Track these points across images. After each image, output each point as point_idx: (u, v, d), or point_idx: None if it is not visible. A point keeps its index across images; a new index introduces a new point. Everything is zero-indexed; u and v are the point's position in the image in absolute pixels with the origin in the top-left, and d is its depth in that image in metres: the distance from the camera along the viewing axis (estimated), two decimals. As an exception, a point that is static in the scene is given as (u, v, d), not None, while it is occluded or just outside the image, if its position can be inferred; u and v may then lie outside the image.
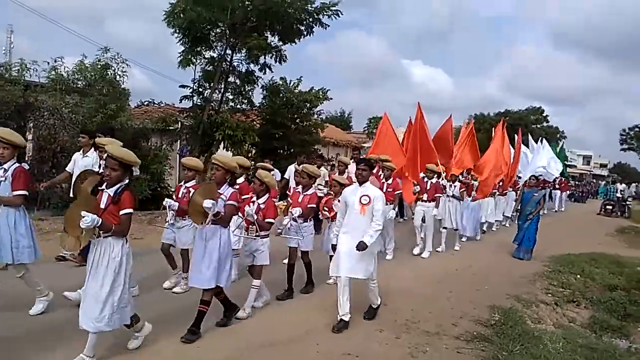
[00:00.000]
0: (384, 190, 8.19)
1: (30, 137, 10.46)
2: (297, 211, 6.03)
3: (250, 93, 14.98)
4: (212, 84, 14.01)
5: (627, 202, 23.97)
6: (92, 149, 6.73)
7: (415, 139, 10.47)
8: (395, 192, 8.80)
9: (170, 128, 14.30)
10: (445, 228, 10.25)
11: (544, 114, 48.44)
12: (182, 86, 14.22)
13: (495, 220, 14.09)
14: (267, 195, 5.41)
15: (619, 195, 24.57)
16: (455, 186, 10.56)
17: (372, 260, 5.37)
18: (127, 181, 3.92)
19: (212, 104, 14.07)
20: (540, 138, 19.57)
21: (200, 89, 14.21)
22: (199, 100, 14.21)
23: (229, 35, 13.62)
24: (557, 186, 22.69)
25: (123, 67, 12.58)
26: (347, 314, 5.25)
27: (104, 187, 3.90)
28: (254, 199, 5.43)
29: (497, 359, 4.74)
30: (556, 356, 4.99)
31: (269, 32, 13.82)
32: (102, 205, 3.80)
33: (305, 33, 13.97)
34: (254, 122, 15.54)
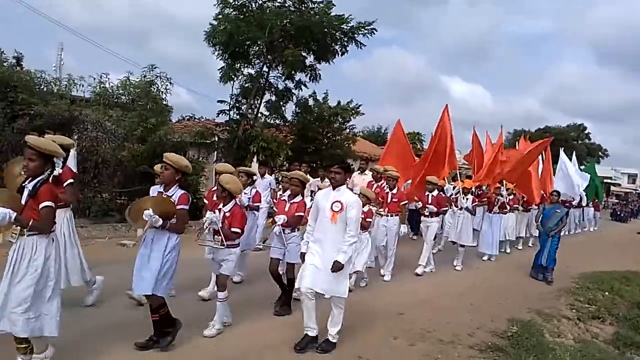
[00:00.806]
0: (388, 201, 8.13)
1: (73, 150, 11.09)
2: (281, 218, 5.74)
3: (284, 109, 15.44)
4: (248, 100, 14.51)
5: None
6: None
7: (432, 146, 10.15)
8: (401, 203, 8.28)
9: (207, 141, 14.84)
10: (462, 246, 9.73)
11: (586, 131, 47.45)
12: (220, 101, 14.79)
13: (518, 237, 13.33)
14: (232, 203, 4.99)
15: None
16: (467, 199, 9.95)
17: (342, 277, 4.78)
18: (47, 173, 3.66)
19: (247, 118, 14.56)
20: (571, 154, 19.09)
21: (237, 104, 14.74)
22: (235, 115, 14.73)
23: (267, 52, 14.10)
24: (590, 205, 21.25)
25: (166, 85, 13.21)
26: (311, 329, 4.85)
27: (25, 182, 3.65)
28: (220, 206, 5.06)
29: (508, 368, 4.86)
30: (568, 368, 5.07)
31: (305, 51, 14.20)
32: (23, 201, 3.55)
33: (340, 52, 14.36)
34: (287, 137, 15.96)
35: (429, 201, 8.88)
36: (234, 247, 4.99)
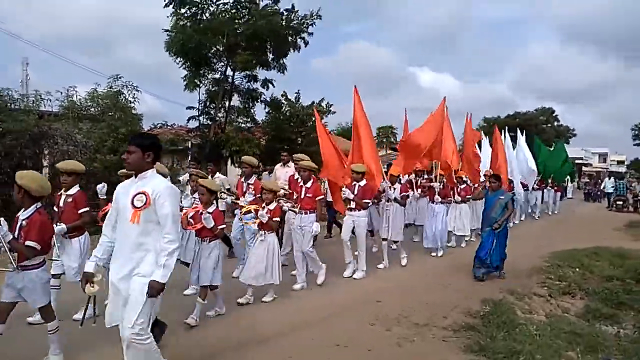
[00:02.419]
0: (302, 195, 7.15)
1: (45, 163, 11.07)
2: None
3: (252, 111, 15.64)
4: (216, 104, 14.68)
5: (640, 197, 23.72)
6: None
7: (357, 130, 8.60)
8: (317, 199, 7.21)
9: (180, 148, 14.91)
10: (395, 242, 9.07)
11: (554, 114, 48.43)
12: (189, 107, 14.94)
13: (472, 230, 11.71)
14: (33, 208, 4.05)
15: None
16: (395, 189, 8.93)
17: (143, 306, 3.41)
18: None
19: (217, 122, 14.70)
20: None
21: (207, 109, 14.88)
22: (205, 120, 14.86)
23: (227, 56, 14.28)
24: (549, 187, 19.69)
25: (134, 94, 13.21)
26: None
27: None
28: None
29: (479, 344, 5.05)
30: (538, 341, 5.29)
31: (261, 51, 14.47)
32: None
33: (299, 45, 14.66)
34: (260, 140, 16.11)
35: (355, 192, 7.71)
36: (32, 269, 3.99)
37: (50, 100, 12.40)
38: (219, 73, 14.88)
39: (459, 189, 10.89)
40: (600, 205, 27.15)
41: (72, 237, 5.18)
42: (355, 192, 7.70)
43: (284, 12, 14.19)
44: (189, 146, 15.54)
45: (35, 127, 10.75)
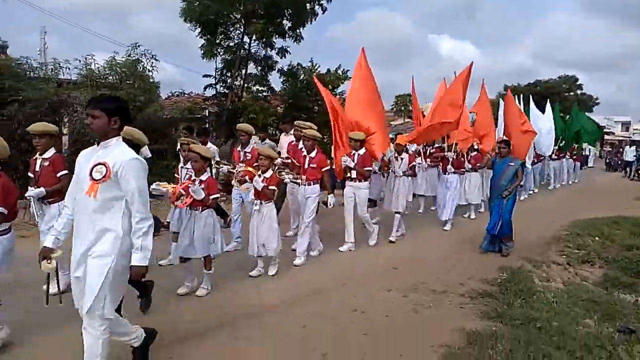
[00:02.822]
0: (305, 165, 6.84)
1: (65, 131, 11.18)
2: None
3: (269, 79, 15.54)
4: (233, 72, 14.61)
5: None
6: None
7: (359, 92, 8.09)
8: (322, 169, 6.82)
9: (198, 116, 14.94)
10: (398, 212, 8.35)
11: (577, 82, 47.28)
12: (206, 75, 14.91)
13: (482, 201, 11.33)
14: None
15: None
16: (402, 159, 8.43)
17: (99, 290, 3.06)
18: None
19: (234, 91, 14.66)
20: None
21: (223, 78, 14.83)
22: (222, 88, 14.84)
23: (244, 24, 14.15)
24: (567, 156, 18.83)
25: (152, 62, 13.22)
26: None
27: None
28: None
29: (496, 311, 5.06)
30: (555, 308, 5.29)
31: (279, 19, 14.29)
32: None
33: (317, 12, 14.43)
34: (278, 108, 16.05)
35: (355, 161, 7.35)
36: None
37: (68, 69, 12.48)
38: (235, 41, 14.78)
39: (469, 157, 10.37)
40: (622, 174, 26.34)
41: (51, 202, 5.00)
42: (355, 161, 7.35)
43: None
44: (207, 114, 15.57)
45: (54, 95, 10.81)
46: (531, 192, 15.30)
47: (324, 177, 6.88)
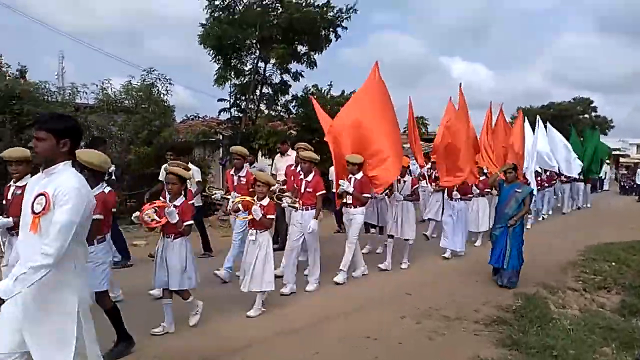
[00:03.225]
0: (302, 189, 6.54)
1: (81, 155, 11.35)
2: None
3: (283, 101, 15.73)
4: (247, 96, 14.82)
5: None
6: None
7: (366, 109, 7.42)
8: (317, 194, 6.55)
9: (212, 139, 15.10)
10: (407, 240, 7.95)
11: (592, 104, 47.11)
12: (220, 99, 15.16)
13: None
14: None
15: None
16: (405, 181, 8.00)
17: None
18: None
19: (248, 115, 14.84)
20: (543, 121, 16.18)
21: (237, 101, 15.05)
22: (236, 112, 15.04)
23: (259, 48, 14.39)
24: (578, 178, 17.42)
25: (166, 86, 13.43)
26: None
27: None
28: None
29: (512, 338, 5.01)
30: (571, 336, 5.21)
31: (296, 44, 14.51)
32: None
33: (328, 41, 14.62)
34: (291, 130, 16.16)
35: (352, 185, 6.99)
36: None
37: (86, 93, 12.72)
38: (251, 65, 15.03)
39: (477, 181, 9.76)
40: (636, 198, 24.96)
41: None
42: (352, 185, 6.98)
43: (320, 6, 14.14)
44: (221, 138, 15.73)
45: (71, 119, 11.02)
46: (543, 216, 14.99)
47: (317, 202, 6.54)
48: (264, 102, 15.50)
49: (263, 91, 15.35)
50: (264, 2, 14.10)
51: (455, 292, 6.78)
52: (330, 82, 17.21)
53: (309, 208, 6.48)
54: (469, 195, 9.48)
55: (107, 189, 4.32)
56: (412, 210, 8.08)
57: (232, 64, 14.64)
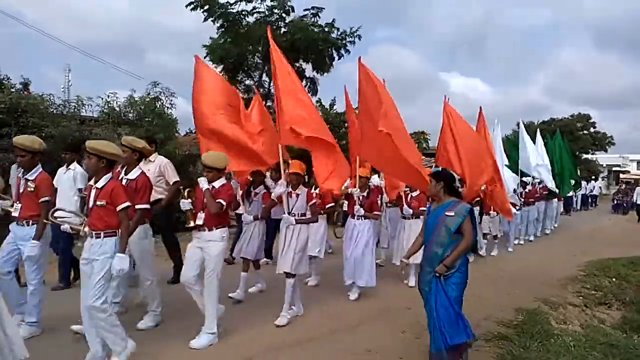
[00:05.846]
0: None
1: (85, 167, 11.43)
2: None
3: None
4: (251, 110, 15.03)
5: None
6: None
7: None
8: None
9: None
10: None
11: (591, 120, 47.14)
12: (225, 113, 15.32)
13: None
14: None
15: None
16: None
17: None
18: None
19: (252, 128, 15.05)
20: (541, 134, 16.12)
21: (242, 115, 15.27)
22: (240, 126, 15.25)
23: (264, 63, 14.57)
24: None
25: (170, 99, 13.57)
26: None
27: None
28: None
29: (512, 354, 5.02)
30: (572, 352, 5.23)
31: (302, 61, 14.72)
32: None
33: (331, 61, 14.87)
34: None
35: (362, 202, 6.64)
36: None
37: (91, 106, 12.86)
38: (255, 78, 15.20)
39: (409, 198, 7.91)
40: (629, 217, 22.95)
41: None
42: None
43: (323, 26, 14.39)
44: (224, 151, 15.91)
45: (76, 132, 11.09)
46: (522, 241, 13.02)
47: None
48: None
49: (268, 105, 15.52)
50: (268, 20, 14.29)
51: (456, 306, 6.79)
52: (334, 97, 17.39)
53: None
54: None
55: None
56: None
57: (238, 78, 14.85)
